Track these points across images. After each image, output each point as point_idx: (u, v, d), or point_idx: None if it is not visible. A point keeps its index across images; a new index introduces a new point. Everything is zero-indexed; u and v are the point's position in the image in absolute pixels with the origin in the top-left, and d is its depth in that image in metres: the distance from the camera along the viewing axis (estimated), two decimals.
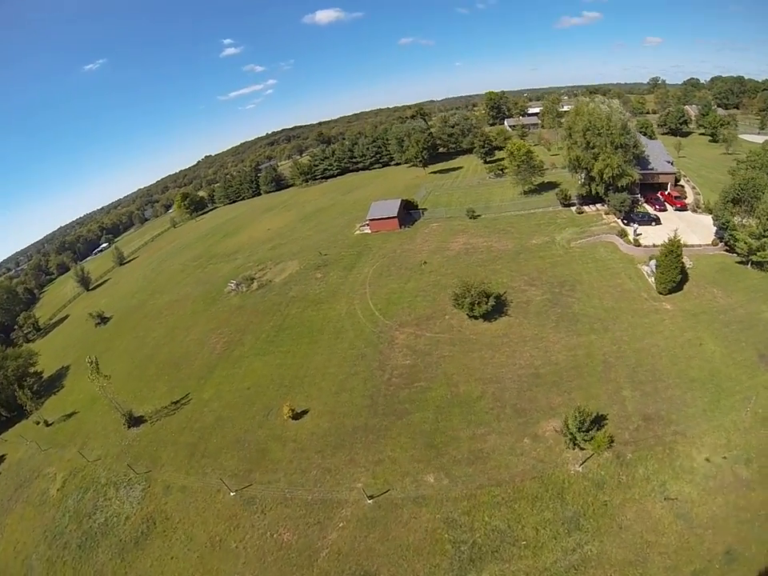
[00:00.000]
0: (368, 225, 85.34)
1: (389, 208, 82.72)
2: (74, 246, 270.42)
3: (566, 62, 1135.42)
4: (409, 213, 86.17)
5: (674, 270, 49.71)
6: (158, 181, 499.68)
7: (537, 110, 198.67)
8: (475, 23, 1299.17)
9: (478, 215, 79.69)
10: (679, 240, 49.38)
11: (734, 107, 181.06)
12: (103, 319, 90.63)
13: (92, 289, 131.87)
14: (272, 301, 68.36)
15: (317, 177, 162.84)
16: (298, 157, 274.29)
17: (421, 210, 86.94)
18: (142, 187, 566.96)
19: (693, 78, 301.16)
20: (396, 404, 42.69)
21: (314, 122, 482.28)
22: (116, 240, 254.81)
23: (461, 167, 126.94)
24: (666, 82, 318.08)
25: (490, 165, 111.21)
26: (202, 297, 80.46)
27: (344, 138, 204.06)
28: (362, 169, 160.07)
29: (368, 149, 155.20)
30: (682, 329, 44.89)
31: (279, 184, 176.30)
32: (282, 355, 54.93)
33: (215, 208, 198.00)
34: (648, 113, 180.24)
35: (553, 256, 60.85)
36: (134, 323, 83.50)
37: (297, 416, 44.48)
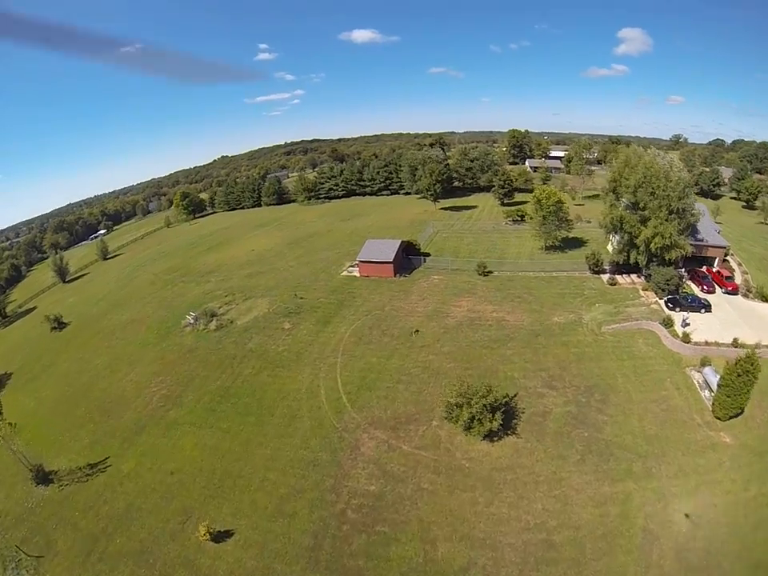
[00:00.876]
0: (357, 266, 72.50)
1: (385, 250, 69.30)
2: (73, 227, 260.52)
3: (589, 109, 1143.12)
4: (408, 258, 73.35)
5: (744, 395, 36.89)
6: (170, 174, 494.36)
7: (560, 153, 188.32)
8: (506, 62, 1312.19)
9: (490, 271, 66.84)
10: (757, 355, 36.74)
11: (758, 172, 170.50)
12: (60, 324, 79.73)
13: (69, 281, 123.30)
14: (226, 350, 55.32)
15: (320, 195, 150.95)
16: (311, 170, 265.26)
17: (422, 257, 74.03)
18: (155, 177, 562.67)
19: (718, 139, 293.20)
20: (346, 557, 29.36)
21: (334, 138, 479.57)
22: (114, 228, 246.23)
23: (475, 206, 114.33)
24: (688, 140, 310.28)
25: (509, 208, 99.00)
26: (157, 325, 68.03)
27: (357, 158, 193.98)
28: (370, 194, 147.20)
29: (378, 173, 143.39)
30: (746, 478, 32.23)
31: (281, 197, 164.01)
32: (221, 434, 42.01)
33: (213, 213, 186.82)
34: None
35: (579, 343, 47.61)
36: (85, 339, 72.45)
37: (217, 537, 32.02)
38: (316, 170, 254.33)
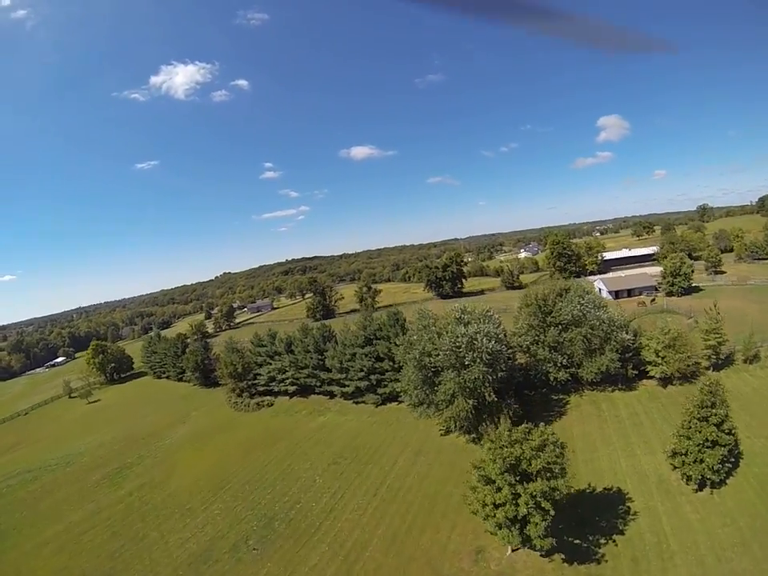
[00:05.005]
0: None
1: None
2: (31, 349, 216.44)
3: (582, 199, 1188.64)
4: None
5: None
6: (168, 289, 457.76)
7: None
8: (499, 165, 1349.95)
9: None
10: None
11: None
12: None
13: None
14: None
15: (258, 387, 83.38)
16: (299, 298, 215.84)
17: None
18: (150, 292, 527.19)
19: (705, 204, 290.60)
20: None
21: (336, 254, 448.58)
22: (76, 357, 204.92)
23: None
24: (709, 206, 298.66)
25: None
26: None
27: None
28: (333, 395, 74.57)
29: (354, 357, 69.98)
30: None
31: (208, 377, 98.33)
32: None
33: (141, 374, 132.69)
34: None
35: None
36: None
37: None
38: (307, 296, 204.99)
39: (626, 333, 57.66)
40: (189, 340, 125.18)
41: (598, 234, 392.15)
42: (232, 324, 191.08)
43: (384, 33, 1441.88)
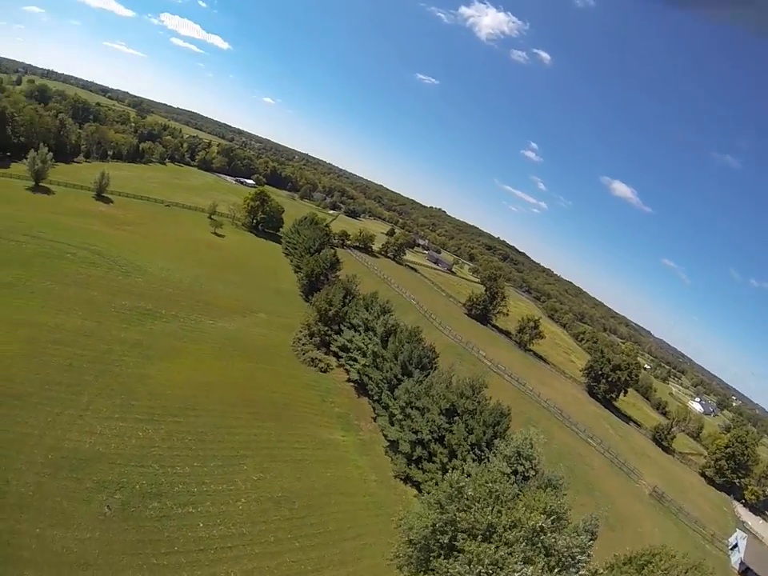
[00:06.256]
0: None
1: None
2: (234, 160, 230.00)
3: None
4: None
5: None
6: (379, 185, 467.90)
7: None
8: None
9: None
10: None
11: None
12: None
13: None
14: None
15: (331, 344, 66.24)
16: (477, 280, 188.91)
17: None
18: (363, 176, 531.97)
19: None
20: None
21: (544, 265, 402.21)
22: (252, 185, 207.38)
23: None
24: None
25: None
26: None
27: None
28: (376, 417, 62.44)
29: (421, 412, 59.01)
30: None
31: (313, 292, 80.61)
32: None
33: (279, 240, 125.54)
34: None
35: None
36: None
37: None
38: None
39: None
40: (336, 243, 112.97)
41: None
42: (397, 259, 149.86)
43: None
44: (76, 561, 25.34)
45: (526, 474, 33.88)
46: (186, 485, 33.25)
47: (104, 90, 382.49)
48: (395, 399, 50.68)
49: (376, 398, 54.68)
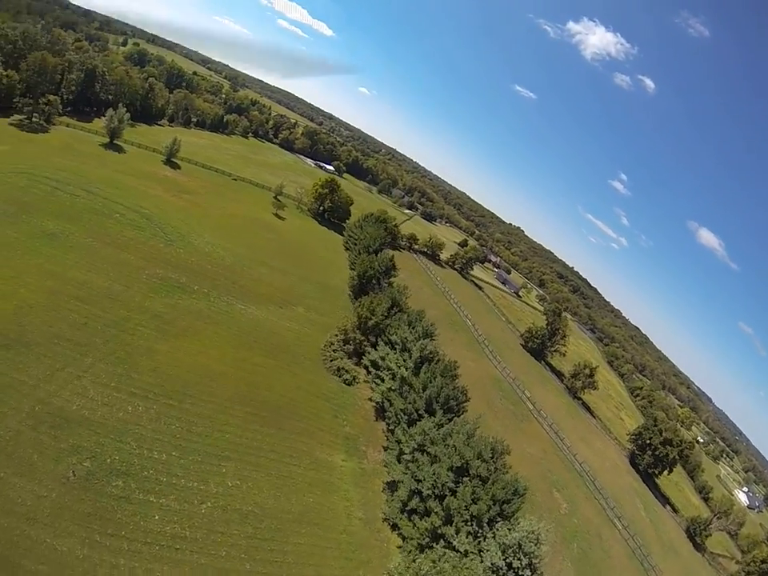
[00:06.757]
0: None
1: None
2: (317, 144, 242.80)
3: None
4: None
5: None
6: (467, 198, 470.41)
7: None
8: None
9: None
10: None
11: None
12: None
13: None
14: None
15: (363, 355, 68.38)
16: (541, 310, 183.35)
17: None
18: (456, 185, 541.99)
19: None
20: None
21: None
22: (332, 172, 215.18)
23: None
24: None
25: None
26: None
27: None
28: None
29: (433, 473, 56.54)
30: None
31: (362, 294, 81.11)
32: None
33: (340, 229, 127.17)
34: None
35: None
36: None
37: None
38: None
39: None
40: (403, 246, 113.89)
41: None
42: (463, 272, 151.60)
43: None
44: (25, 513, 27.34)
45: (520, 574, 31.58)
46: (157, 472, 34.54)
47: (204, 61, 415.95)
48: (410, 436, 49.30)
49: (392, 427, 53.71)
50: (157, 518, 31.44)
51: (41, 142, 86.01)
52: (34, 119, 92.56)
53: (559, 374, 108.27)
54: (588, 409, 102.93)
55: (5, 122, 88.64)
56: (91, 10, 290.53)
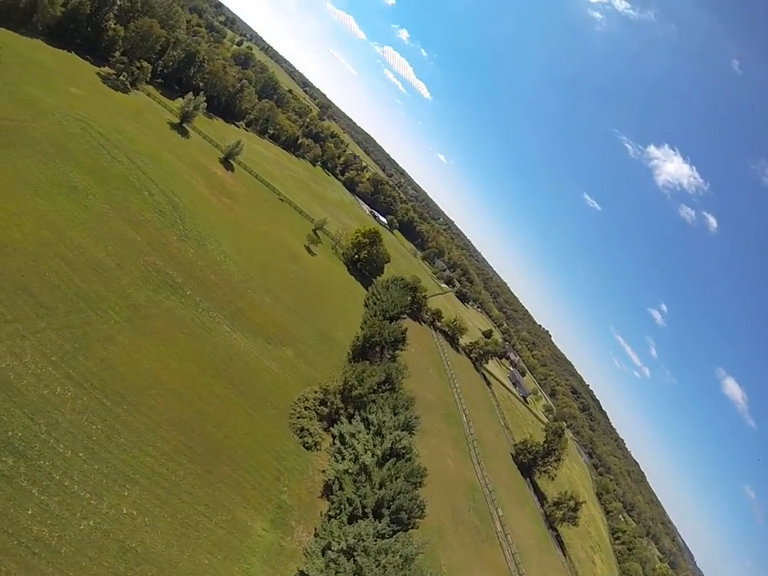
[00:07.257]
0: None
1: None
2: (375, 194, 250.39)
3: None
4: None
5: None
6: (503, 284, 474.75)
7: None
8: None
9: None
10: None
11: None
12: None
13: None
14: None
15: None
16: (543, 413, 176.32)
17: None
18: (499, 272, 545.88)
19: None
20: None
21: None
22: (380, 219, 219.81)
23: None
24: None
25: None
26: None
27: None
28: None
29: None
30: None
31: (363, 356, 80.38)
32: None
33: (368, 283, 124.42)
34: None
35: None
36: None
37: None
38: None
39: None
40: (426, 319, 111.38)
41: None
42: (477, 364, 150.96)
43: None
44: None
45: None
46: (53, 466, 31.04)
47: (304, 83, 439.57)
48: (343, 534, 43.88)
49: (332, 514, 48.22)
50: (30, 512, 27.90)
51: (115, 99, 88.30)
52: (120, 78, 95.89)
53: (542, 497, 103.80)
54: (561, 544, 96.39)
55: (93, 70, 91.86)
56: (223, 3, 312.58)
